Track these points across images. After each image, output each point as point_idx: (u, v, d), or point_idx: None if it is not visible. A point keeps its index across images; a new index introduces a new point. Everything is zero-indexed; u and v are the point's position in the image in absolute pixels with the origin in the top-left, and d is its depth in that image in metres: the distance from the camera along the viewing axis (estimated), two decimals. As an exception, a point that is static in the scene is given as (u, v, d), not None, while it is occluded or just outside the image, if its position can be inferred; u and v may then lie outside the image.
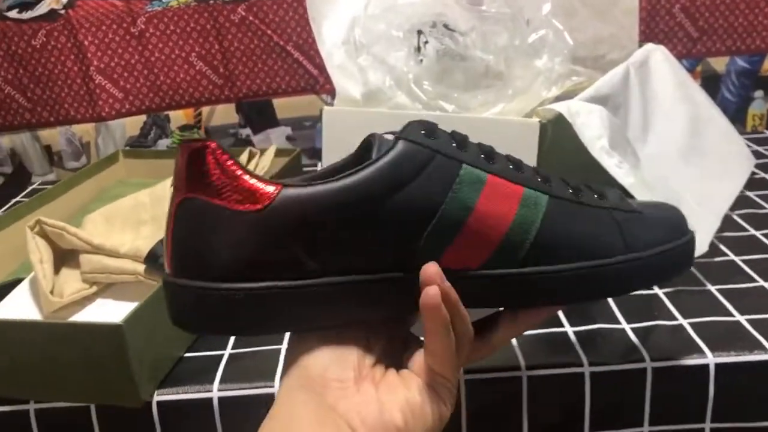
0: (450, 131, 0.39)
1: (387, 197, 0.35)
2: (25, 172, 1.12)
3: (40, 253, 0.61)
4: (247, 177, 0.35)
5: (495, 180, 0.37)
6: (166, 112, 1.09)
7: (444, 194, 0.36)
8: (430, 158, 0.36)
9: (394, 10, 0.77)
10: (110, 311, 0.59)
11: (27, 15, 1.02)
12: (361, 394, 0.37)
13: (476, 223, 0.36)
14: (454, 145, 0.38)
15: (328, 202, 0.35)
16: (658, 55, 0.81)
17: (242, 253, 0.35)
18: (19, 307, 0.61)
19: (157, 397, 0.53)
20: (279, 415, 0.36)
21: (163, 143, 1.11)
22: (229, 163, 0.35)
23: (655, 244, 0.40)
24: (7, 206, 0.96)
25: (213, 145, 0.35)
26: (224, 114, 1.10)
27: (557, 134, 0.60)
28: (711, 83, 1.06)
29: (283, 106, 1.09)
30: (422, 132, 0.37)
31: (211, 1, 1.02)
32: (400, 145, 0.36)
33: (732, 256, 0.66)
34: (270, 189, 0.35)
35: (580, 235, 0.39)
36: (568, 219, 0.38)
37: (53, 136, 1.10)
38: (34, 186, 1.06)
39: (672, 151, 0.74)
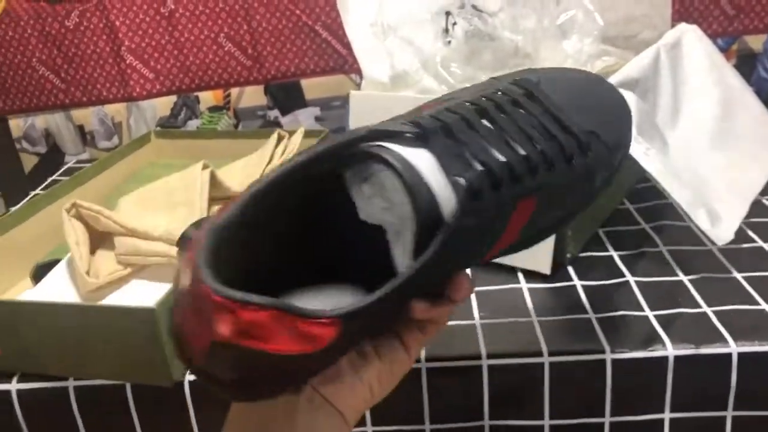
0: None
1: None
2: (59, 152, 1.15)
3: (76, 235, 0.63)
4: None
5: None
6: (195, 93, 1.10)
7: None
8: None
9: (423, -9, 0.77)
10: (144, 292, 0.61)
11: (61, -4, 1.04)
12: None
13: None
14: None
15: None
16: (691, 35, 0.80)
17: None
18: (58, 286, 0.63)
19: (189, 376, 0.55)
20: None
21: (193, 124, 1.13)
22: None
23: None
24: (42, 186, 0.98)
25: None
26: (253, 95, 1.11)
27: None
28: (747, 62, 1.04)
29: (312, 86, 1.10)
30: None
31: (241, -18, 1.02)
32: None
33: (761, 243, 0.65)
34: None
35: None
36: None
37: (86, 116, 1.12)
38: (68, 165, 1.08)
39: (702, 136, 0.73)
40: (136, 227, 0.62)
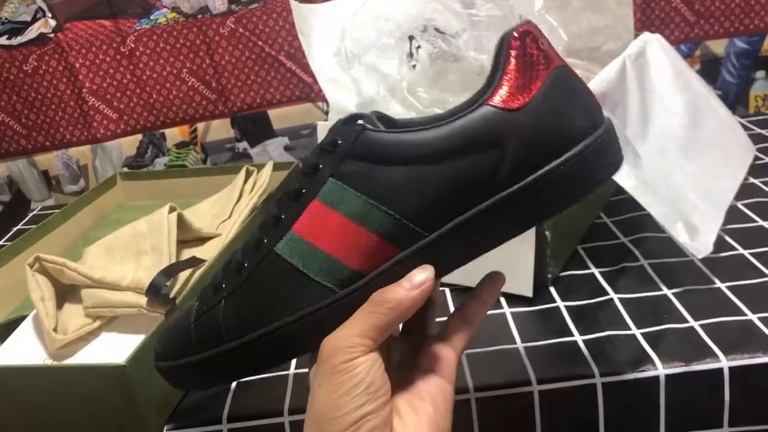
0: None
1: None
2: (24, 199, 1.12)
3: (41, 291, 0.60)
4: None
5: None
6: (161, 130, 1.08)
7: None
8: None
9: (384, 18, 0.76)
10: (115, 346, 0.58)
11: (17, 41, 1.02)
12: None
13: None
14: None
15: None
16: (655, 44, 0.80)
17: None
18: (23, 346, 0.60)
19: (167, 432, 0.52)
20: None
21: (161, 162, 1.10)
22: None
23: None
24: (7, 236, 0.95)
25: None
26: (220, 129, 1.09)
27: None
28: (711, 66, 1.05)
29: (279, 116, 1.08)
30: None
31: (200, 16, 1.01)
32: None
33: (741, 250, 0.65)
34: None
35: None
36: None
37: (50, 160, 1.09)
38: (34, 212, 1.06)
39: (672, 145, 0.73)
40: (103, 278, 0.60)
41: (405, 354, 0.42)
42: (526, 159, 0.35)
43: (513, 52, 0.35)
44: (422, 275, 0.36)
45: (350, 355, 0.35)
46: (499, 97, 0.35)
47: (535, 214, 0.37)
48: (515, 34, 0.35)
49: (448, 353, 0.39)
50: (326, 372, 0.35)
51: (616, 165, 0.38)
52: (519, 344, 0.56)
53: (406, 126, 0.40)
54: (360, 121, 0.37)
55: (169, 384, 0.41)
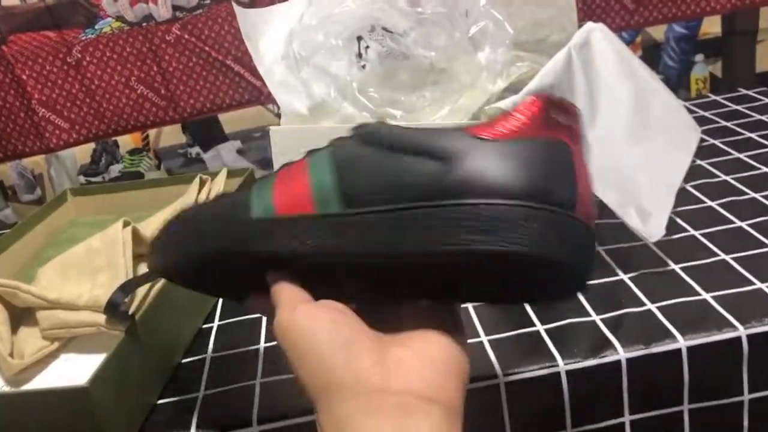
0: None
1: None
2: (-21, 211, 1.09)
3: (-6, 316, 0.59)
4: None
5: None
6: (113, 138, 1.07)
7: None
8: None
9: (331, 20, 0.76)
10: (75, 367, 0.57)
11: (-39, 56, 0.99)
12: (399, 363, 0.34)
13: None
14: None
15: None
16: (598, 33, 0.81)
17: None
18: (-21, 373, 0.58)
19: (134, 452, 0.51)
20: None
21: (115, 168, 1.09)
22: None
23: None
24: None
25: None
26: (172, 135, 1.08)
27: (507, 133, 0.59)
28: (652, 52, 1.07)
29: (230, 120, 1.07)
30: None
31: (144, 24, 0.99)
32: None
33: (692, 231, 0.67)
34: None
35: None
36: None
37: (4, 171, 1.08)
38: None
39: (620, 131, 0.74)
40: (58, 298, 0.58)
41: None
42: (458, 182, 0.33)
43: (525, 106, 0.34)
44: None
45: (294, 316, 0.35)
46: (479, 130, 0.34)
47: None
48: (543, 96, 0.34)
49: None
50: (290, 349, 0.35)
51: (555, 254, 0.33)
52: (483, 338, 0.56)
53: None
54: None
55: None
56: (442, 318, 0.38)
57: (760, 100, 1.00)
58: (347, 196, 0.35)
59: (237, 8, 0.74)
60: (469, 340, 0.55)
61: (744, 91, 1.04)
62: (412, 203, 0.34)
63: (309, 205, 0.36)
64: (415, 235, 0.34)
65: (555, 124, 0.34)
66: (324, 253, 0.36)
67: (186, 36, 1.00)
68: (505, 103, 0.63)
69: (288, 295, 0.37)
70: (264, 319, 0.63)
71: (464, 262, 0.34)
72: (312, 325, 0.34)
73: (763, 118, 0.93)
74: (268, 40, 0.75)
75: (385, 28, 0.76)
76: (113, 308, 0.56)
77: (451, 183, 0.33)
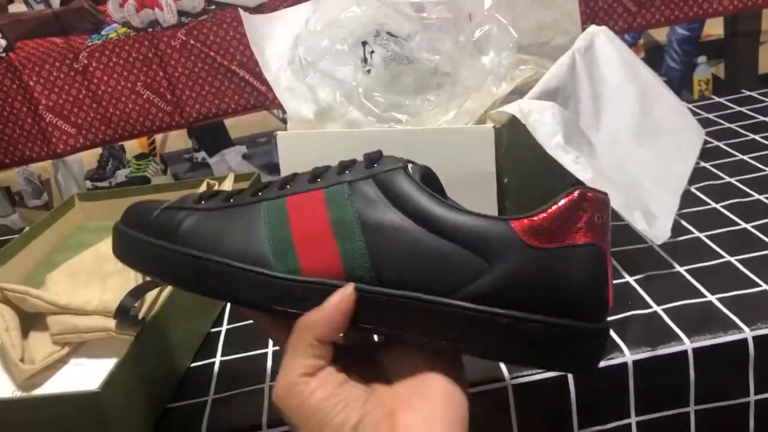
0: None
1: None
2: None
3: (5, 322, 0.59)
4: None
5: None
6: (120, 143, 1.07)
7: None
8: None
9: (336, 25, 0.76)
10: (86, 372, 0.57)
11: (-32, 62, 1.00)
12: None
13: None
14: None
15: None
16: (602, 36, 0.82)
17: None
18: (-9, 378, 0.59)
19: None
20: None
21: (122, 173, 1.10)
22: None
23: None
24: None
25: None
26: (178, 139, 1.09)
27: (513, 136, 0.60)
28: (655, 54, 1.08)
29: (235, 125, 1.08)
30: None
31: (150, 29, 1.00)
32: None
33: (697, 233, 0.67)
34: None
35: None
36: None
37: (11, 177, 1.09)
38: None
39: (624, 133, 0.74)
40: (68, 303, 0.59)
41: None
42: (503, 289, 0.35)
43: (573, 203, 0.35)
44: (338, 295, 0.36)
45: (303, 387, 0.35)
46: (524, 225, 0.35)
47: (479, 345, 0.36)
48: (589, 195, 0.35)
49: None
50: (294, 416, 0.35)
51: (569, 367, 0.38)
52: (490, 340, 0.57)
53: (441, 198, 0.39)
54: (409, 165, 0.38)
55: (113, 247, 0.43)
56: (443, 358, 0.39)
57: (763, 101, 1.00)
58: (378, 274, 0.36)
59: (243, 14, 0.75)
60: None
61: (747, 93, 1.04)
62: (447, 298, 0.35)
63: (339, 274, 0.37)
64: (450, 331, 0.36)
65: (594, 224, 0.35)
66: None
67: (191, 41, 1.01)
68: (511, 108, 0.63)
69: (293, 357, 0.36)
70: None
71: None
72: (325, 406, 0.35)
73: (766, 119, 0.93)
74: (274, 46, 0.76)
75: (389, 33, 0.77)
76: (123, 313, 0.57)
77: (493, 287, 0.35)
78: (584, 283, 0.35)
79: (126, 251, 0.43)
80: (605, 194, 0.36)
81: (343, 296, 0.36)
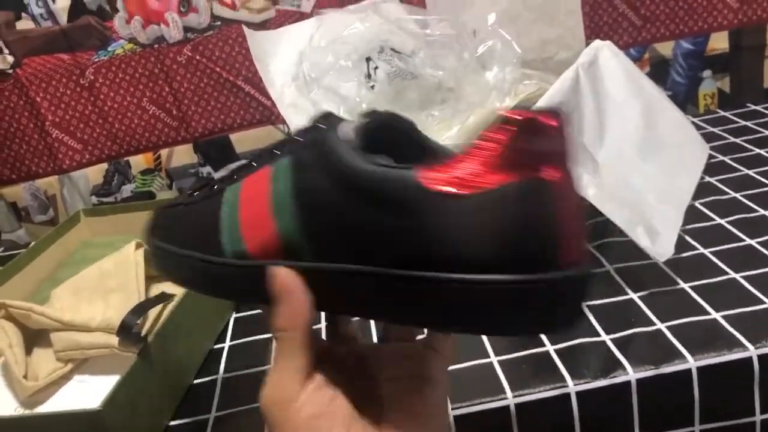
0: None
1: None
2: (-7, 231, 1.11)
3: (8, 338, 0.59)
4: None
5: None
6: (125, 158, 1.08)
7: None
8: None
9: (340, 41, 0.77)
10: (89, 389, 0.58)
11: (-25, 79, 1.01)
12: None
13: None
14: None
15: None
16: (606, 51, 0.81)
17: None
18: (-6, 395, 0.59)
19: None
20: None
21: (127, 188, 1.10)
22: None
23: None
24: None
25: None
26: (183, 154, 1.09)
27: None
28: (660, 68, 1.07)
29: (241, 140, 1.08)
30: None
31: (156, 45, 1.01)
32: None
33: (701, 249, 0.67)
34: None
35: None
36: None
37: (17, 192, 1.10)
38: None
39: (628, 149, 0.74)
40: (72, 320, 0.59)
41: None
42: (433, 251, 0.30)
43: (489, 138, 0.29)
44: (276, 279, 0.35)
45: (291, 402, 0.35)
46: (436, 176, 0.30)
47: (407, 313, 0.32)
48: (515, 117, 0.29)
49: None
50: (279, 427, 0.35)
51: (538, 328, 0.34)
52: (493, 358, 0.56)
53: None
54: (343, 122, 0.34)
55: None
56: (427, 375, 0.38)
57: (769, 115, 1.00)
58: (314, 245, 0.34)
59: (247, 31, 0.75)
60: (479, 361, 0.56)
61: (752, 107, 1.04)
62: (382, 268, 0.31)
63: (279, 252, 0.35)
64: (395, 306, 0.32)
65: (529, 155, 0.29)
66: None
67: (197, 57, 1.02)
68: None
69: (283, 364, 0.36)
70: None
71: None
72: (312, 423, 0.34)
73: (772, 133, 0.93)
74: (278, 62, 0.76)
75: (393, 49, 0.77)
76: (126, 330, 0.57)
77: (419, 251, 0.30)
78: (522, 233, 0.29)
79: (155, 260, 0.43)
80: (555, 114, 0.30)
81: (281, 279, 0.34)
